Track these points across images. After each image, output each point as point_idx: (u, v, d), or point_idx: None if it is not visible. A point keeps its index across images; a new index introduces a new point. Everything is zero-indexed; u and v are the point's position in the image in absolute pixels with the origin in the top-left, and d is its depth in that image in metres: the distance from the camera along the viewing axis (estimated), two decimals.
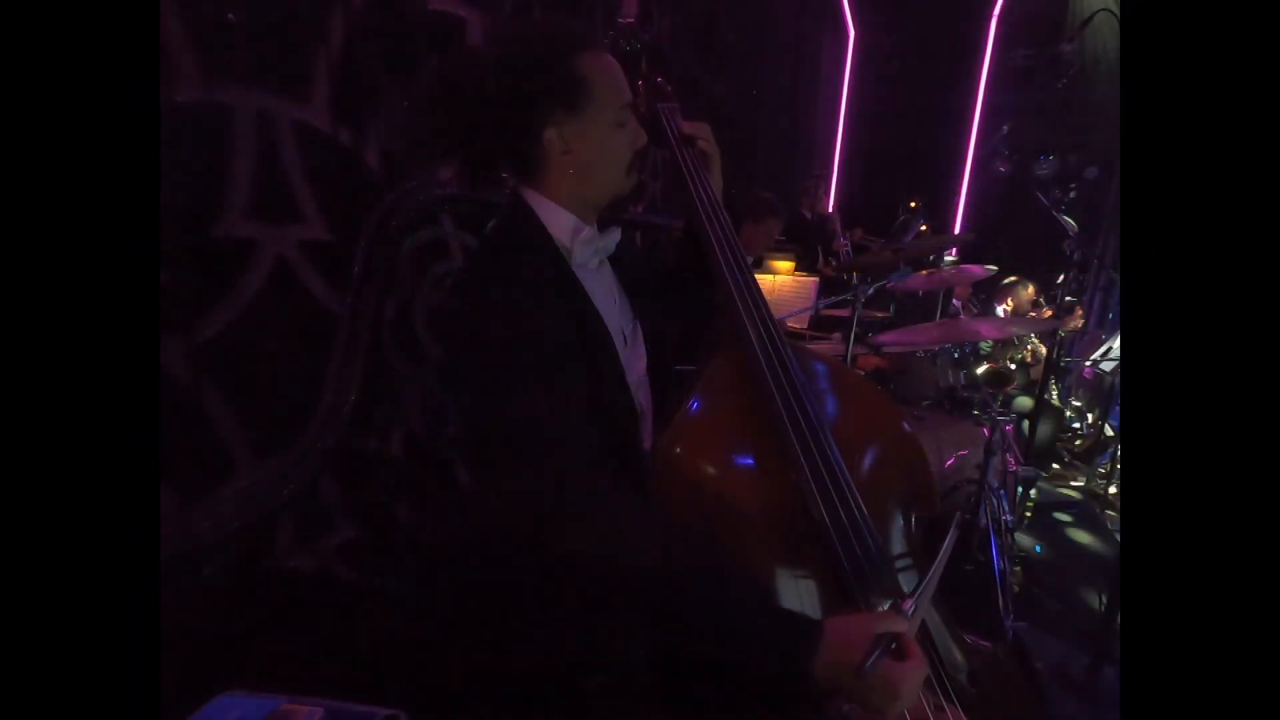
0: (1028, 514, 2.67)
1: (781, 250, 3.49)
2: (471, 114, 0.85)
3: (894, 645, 0.69)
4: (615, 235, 0.97)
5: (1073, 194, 4.53)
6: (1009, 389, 3.13)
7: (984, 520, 2.00)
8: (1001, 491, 2.09)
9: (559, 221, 0.92)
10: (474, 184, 0.92)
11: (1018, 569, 2.23)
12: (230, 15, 1.00)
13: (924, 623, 0.80)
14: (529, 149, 0.88)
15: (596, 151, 0.89)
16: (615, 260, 1.02)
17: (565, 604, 0.83)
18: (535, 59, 0.84)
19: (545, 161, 0.89)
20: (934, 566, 0.75)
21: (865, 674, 0.66)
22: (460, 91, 0.85)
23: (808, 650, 0.69)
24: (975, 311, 4.00)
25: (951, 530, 0.79)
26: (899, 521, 0.92)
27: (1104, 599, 2.09)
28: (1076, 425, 3.78)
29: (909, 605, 0.73)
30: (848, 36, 5.58)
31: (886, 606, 0.77)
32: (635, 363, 0.99)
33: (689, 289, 1.20)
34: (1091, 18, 2.57)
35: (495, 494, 0.87)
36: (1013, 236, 4.70)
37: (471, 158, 0.90)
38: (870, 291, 2.52)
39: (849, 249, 3.68)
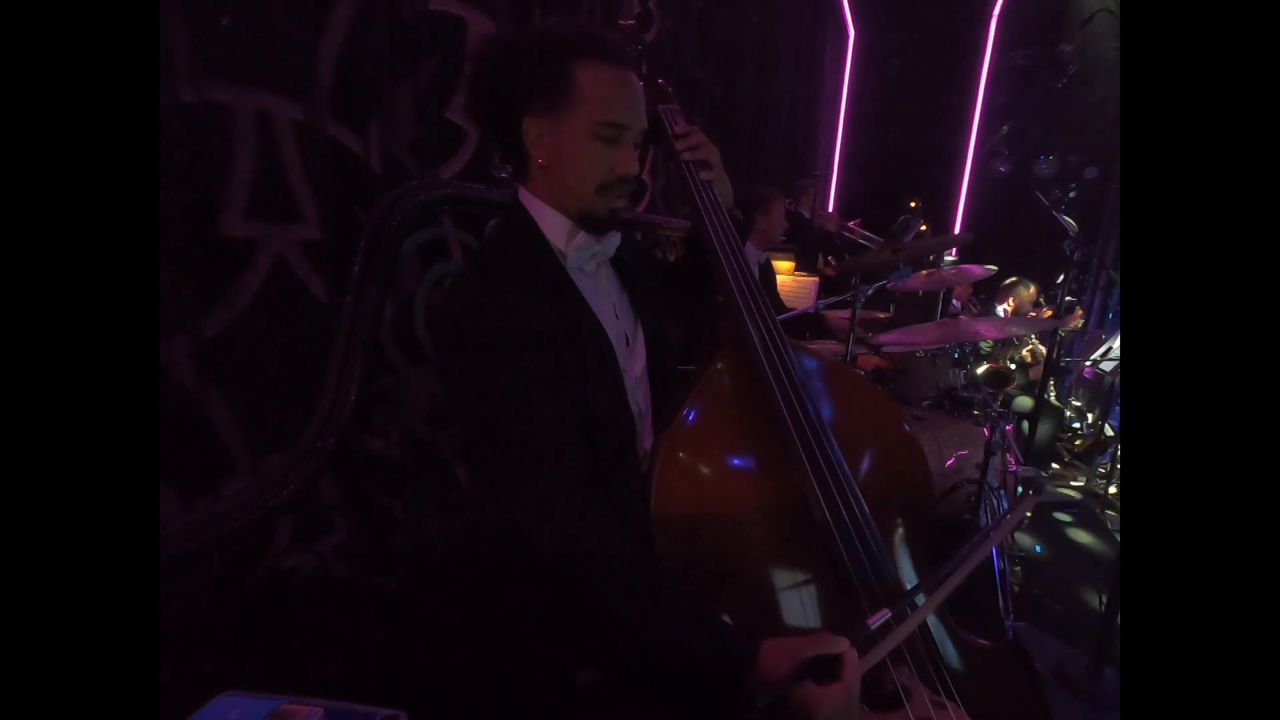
0: (1028, 514, 2.67)
1: (781, 250, 3.49)
2: (476, 83, 0.91)
3: (829, 667, 0.67)
4: (614, 240, 0.97)
5: (1073, 194, 4.53)
6: (1009, 389, 3.13)
7: (984, 520, 2.00)
8: (1001, 491, 2.09)
9: (553, 224, 0.92)
10: (491, 157, 0.99)
11: (1018, 569, 2.23)
12: (224, 20, 1.01)
13: (924, 621, 0.80)
14: (513, 133, 0.90)
15: (565, 156, 0.89)
16: (618, 262, 1.02)
17: (553, 603, 0.83)
18: (532, 49, 0.86)
19: (527, 152, 0.91)
20: (945, 576, 0.73)
21: (786, 693, 0.66)
22: (473, 62, 0.92)
23: (741, 670, 0.70)
24: (975, 311, 4.00)
25: (973, 544, 0.75)
26: (899, 520, 0.92)
27: (1104, 599, 2.09)
28: (1076, 425, 3.78)
29: (874, 620, 0.70)
30: (848, 36, 5.58)
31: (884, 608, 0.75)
32: (634, 364, 0.99)
33: (691, 289, 1.20)
34: (1091, 18, 2.57)
35: (482, 494, 0.88)
36: (1013, 236, 4.70)
37: (478, 124, 0.98)
38: (870, 292, 2.52)
39: (839, 240, 3.66)
